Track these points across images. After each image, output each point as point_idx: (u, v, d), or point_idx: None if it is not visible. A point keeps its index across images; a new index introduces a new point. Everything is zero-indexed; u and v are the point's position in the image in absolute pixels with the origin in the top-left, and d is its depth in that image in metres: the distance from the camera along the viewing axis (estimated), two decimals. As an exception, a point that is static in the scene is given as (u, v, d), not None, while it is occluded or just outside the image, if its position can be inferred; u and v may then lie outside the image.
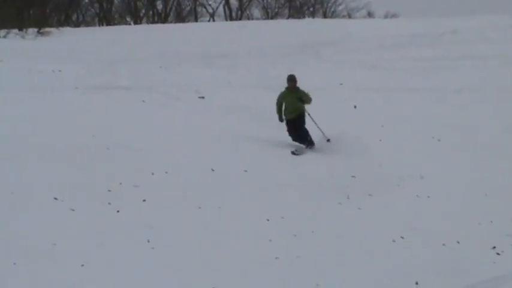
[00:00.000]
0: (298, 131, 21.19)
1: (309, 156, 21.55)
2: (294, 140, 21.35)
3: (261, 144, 21.64)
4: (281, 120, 21.45)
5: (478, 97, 28.79)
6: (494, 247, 17.17)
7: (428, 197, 19.71)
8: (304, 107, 21.25)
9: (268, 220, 16.69)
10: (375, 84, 30.13)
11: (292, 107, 21.27)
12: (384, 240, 16.84)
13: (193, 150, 20.80)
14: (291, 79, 21.28)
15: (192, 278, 13.91)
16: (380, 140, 23.78)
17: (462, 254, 16.77)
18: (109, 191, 17.29)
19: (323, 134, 21.48)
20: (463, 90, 30.26)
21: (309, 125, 21.93)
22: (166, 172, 18.98)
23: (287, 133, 21.50)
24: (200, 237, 15.64)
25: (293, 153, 21.09)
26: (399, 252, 16.61)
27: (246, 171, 19.56)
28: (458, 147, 23.59)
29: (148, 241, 15.20)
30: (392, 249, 16.73)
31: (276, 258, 14.90)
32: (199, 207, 17.10)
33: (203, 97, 25.91)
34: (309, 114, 21.53)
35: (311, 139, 21.49)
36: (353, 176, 20.43)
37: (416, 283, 15.25)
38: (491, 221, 18.29)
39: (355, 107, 26.89)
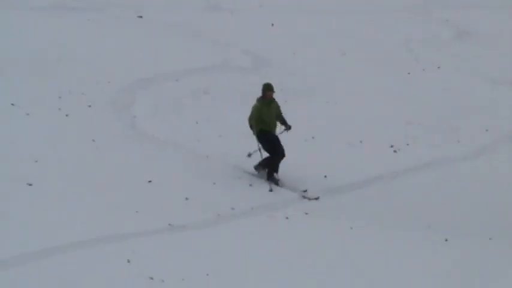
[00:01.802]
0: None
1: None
2: (272, 154, 16.51)
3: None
4: (259, 133, 16.43)
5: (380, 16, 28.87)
6: (392, 146, 18.48)
7: (336, 103, 20.79)
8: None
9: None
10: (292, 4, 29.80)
11: (271, 121, 16.43)
12: (297, 139, 17.99)
13: (132, 61, 21.51)
14: (269, 88, 16.35)
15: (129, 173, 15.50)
16: (294, 53, 24.06)
17: (364, 152, 18.33)
18: (60, 97, 18.38)
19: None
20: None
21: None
22: (109, 82, 20.02)
23: (264, 147, 16.53)
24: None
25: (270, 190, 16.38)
26: (311, 149, 18.27)
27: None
28: (363, 60, 24.14)
29: (93, 140, 16.75)
30: (305, 146, 18.18)
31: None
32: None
33: (141, 16, 25.63)
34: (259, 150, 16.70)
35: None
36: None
37: (325, 176, 16.73)
38: (390, 123, 19.79)
39: (272, 25, 26.13)
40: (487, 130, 20.46)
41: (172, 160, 16.95)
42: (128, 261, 12.31)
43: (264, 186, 16.34)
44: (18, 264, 11.64)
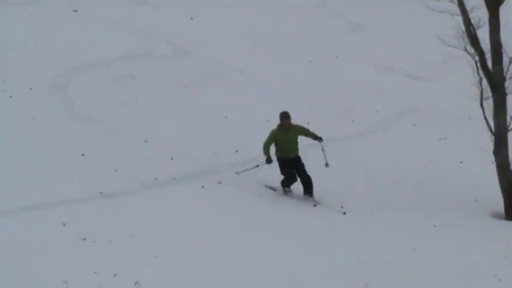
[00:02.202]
0: (301, 177, 15.57)
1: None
2: (286, 185, 15.84)
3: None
4: (269, 160, 15.54)
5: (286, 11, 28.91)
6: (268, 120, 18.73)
7: (247, 87, 21.40)
8: (298, 148, 15.71)
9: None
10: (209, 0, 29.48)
11: (290, 147, 15.44)
12: (213, 119, 18.83)
13: (68, 49, 21.68)
14: (286, 116, 15.36)
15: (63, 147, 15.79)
16: (210, 44, 24.33)
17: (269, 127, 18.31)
18: (4, 80, 18.97)
19: (325, 158, 15.66)
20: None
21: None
22: (48, 68, 20.29)
23: (280, 172, 15.76)
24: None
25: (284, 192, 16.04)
26: (225, 128, 18.68)
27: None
28: (271, 50, 24.52)
29: (34, 118, 17.20)
30: (219, 125, 18.72)
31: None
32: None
33: (76, 10, 25.27)
34: (322, 150, 15.72)
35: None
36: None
37: (236, 151, 17.27)
38: (294, 105, 19.54)
39: (191, 18, 26.23)
40: (377, 111, 21.13)
41: (103, 137, 17.16)
42: (64, 225, 12.55)
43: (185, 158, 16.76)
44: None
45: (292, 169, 15.56)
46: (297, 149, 15.59)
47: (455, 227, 14.65)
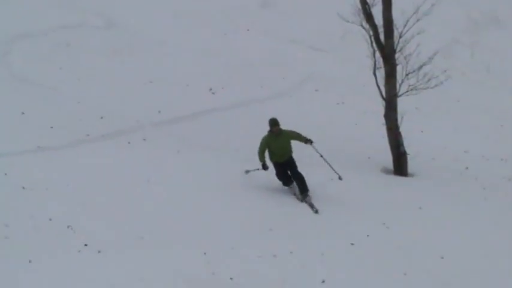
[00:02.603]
0: (293, 175, 14.43)
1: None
2: (285, 184, 14.58)
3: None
4: (265, 167, 14.29)
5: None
6: (211, 89, 19.08)
7: (167, 55, 21.10)
8: (291, 150, 14.50)
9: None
10: None
11: (281, 152, 14.31)
12: (139, 83, 18.84)
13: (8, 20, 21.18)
14: (275, 123, 14.18)
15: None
16: (136, 16, 23.53)
17: (190, 93, 18.62)
18: None
19: (335, 171, 14.58)
20: None
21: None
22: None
23: (276, 177, 14.55)
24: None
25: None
26: (149, 91, 18.67)
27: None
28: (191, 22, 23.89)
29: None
30: (145, 89, 18.75)
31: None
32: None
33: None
34: (321, 156, 14.52)
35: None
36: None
37: (159, 111, 17.20)
38: (204, 70, 20.35)
39: None
40: (283, 78, 21.43)
41: (42, 97, 17.16)
42: (5, 174, 12.73)
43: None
44: None
45: (287, 171, 14.49)
46: (289, 151, 14.44)
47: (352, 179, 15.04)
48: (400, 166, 16.44)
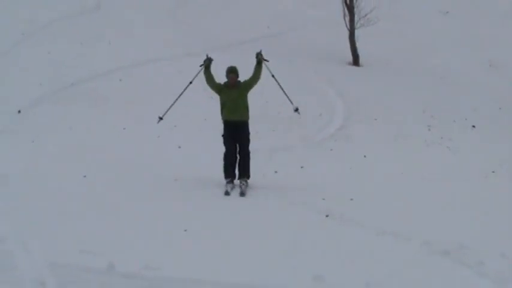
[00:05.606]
0: (240, 150, 11.63)
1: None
2: (226, 170, 11.59)
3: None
4: (209, 58, 11.82)
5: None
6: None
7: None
8: (248, 114, 11.69)
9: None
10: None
11: (232, 105, 11.54)
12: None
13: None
14: (231, 70, 11.56)
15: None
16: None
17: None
18: None
19: (291, 102, 12.09)
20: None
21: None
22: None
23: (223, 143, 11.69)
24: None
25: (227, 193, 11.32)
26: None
27: None
28: None
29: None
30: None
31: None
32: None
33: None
34: (275, 79, 12.12)
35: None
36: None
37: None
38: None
39: None
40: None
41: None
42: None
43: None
44: None
45: (234, 138, 11.65)
46: (243, 110, 11.66)
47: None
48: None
